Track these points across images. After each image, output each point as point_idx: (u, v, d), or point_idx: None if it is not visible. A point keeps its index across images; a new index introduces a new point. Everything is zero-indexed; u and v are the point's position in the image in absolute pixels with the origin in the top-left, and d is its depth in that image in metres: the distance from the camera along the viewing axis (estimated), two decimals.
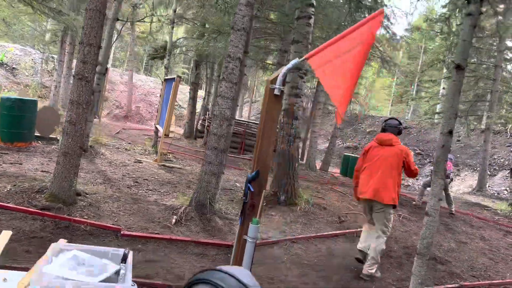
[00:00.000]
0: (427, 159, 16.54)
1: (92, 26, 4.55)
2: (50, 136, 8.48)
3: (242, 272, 0.93)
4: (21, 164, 6.19)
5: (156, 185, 6.74)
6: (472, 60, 13.19)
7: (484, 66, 13.10)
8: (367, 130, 21.22)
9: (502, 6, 11.84)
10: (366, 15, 7.27)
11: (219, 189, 5.77)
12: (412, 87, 30.03)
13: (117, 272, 1.86)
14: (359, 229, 5.78)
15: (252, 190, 2.40)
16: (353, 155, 13.70)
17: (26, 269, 1.98)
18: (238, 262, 2.49)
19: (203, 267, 3.90)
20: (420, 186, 11.25)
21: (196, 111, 17.09)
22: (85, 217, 4.50)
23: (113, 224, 4.46)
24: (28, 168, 6.02)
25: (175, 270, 3.75)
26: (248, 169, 9.66)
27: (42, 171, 5.96)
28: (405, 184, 14.02)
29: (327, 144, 14.91)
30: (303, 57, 2.30)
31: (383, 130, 4.52)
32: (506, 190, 12.26)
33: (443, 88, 18.81)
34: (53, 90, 15.79)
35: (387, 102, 34.63)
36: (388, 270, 4.65)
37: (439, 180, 3.38)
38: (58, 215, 4.25)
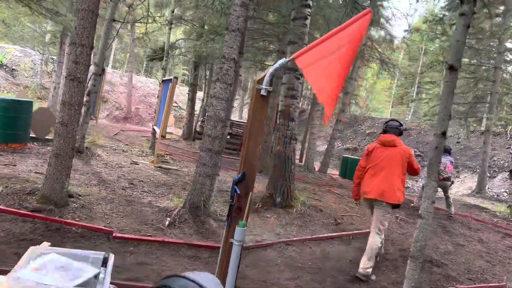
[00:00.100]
0: (427, 161, 16.46)
1: (84, 27, 4.52)
2: (46, 137, 8.43)
3: (206, 278, 0.92)
4: (15, 165, 6.15)
5: (152, 187, 6.70)
6: (472, 62, 13.14)
7: (484, 67, 13.04)
8: (367, 131, 21.15)
9: (502, 7, 11.82)
10: None
11: (214, 191, 5.73)
12: (413, 88, 30.01)
13: (96, 276, 1.83)
14: (355, 232, 5.74)
15: (238, 192, 2.36)
16: (352, 156, 13.63)
17: None
18: (225, 265, 2.45)
19: (195, 269, 3.85)
20: (419, 188, 11.20)
21: (195, 112, 17.05)
22: (77, 219, 4.45)
23: (105, 226, 4.42)
24: (22, 169, 5.98)
25: (166, 273, 3.70)
26: None
27: (35, 172, 5.92)
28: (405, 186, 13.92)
29: (326, 146, 14.84)
30: (290, 57, 2.27)
31: (385, 131, 4.58)
32: (505, 192, 12.18)
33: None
34: (52, 92, 15.77)
35: (387, 103, 34.59)
36: (383, 273, 4.60)
37: (432, 182, 3.35)
38: (49, 217, 4.21)
